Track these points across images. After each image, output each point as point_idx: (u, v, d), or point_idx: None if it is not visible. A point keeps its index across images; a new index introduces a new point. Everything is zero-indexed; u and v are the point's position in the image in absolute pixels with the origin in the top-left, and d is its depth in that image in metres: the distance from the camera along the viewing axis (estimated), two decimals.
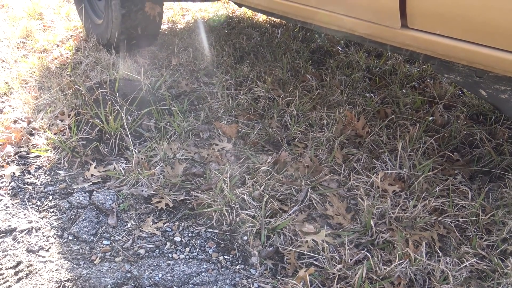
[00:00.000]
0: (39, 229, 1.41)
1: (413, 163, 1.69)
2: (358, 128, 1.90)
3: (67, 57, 2.57)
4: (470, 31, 1.14)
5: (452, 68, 1.35)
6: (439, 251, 1.33)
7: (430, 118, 2.01)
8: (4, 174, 1.62)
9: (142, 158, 1.68)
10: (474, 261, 1.29)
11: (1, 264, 1.26)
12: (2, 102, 2.08)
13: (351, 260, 1.29)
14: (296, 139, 1.85)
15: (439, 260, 1.29)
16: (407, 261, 1.26)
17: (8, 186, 1.58)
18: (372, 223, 1.40)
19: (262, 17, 3.41)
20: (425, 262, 1.28)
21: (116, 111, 1.84)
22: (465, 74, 1.34)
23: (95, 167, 1.66)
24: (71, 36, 2.93)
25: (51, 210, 1.49)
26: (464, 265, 1.27)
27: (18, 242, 1.35)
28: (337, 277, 1.23)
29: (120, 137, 1.78)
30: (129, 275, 1.24)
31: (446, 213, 1.49)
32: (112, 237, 1.39)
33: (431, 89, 2.29)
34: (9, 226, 1.40)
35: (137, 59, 2.48)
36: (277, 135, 1.88)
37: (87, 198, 1.53)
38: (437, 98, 2.19)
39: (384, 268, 1.25)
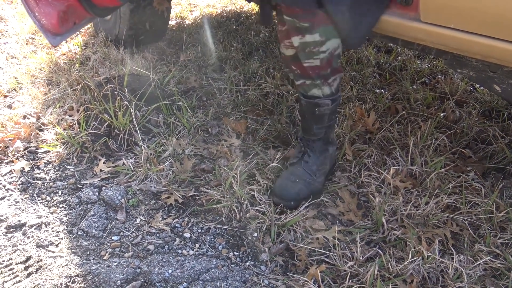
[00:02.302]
0: (49, 224, 1.40)
1: (424, 159, 1.66)
2: (369, 124, 1.88)
3: (75, 52, 2.57)
4: (486, 24, 1.12)
5: (465, 63, 1.33)
6: (452, 249, 1.31)
7: (442, 114, 1.99)
8: (13, 169, 1.62)
9: (151, 154, 1.67)
10: (488, 259, 1.27)
11: (11, 259, 1.26)
12: (11, 97, 2.08)
13: (362, 257, 1.28)
14: None
15: (453, 258, 1.27)
16: (420, 258, 1.24)
17: (17, 181, 1.58)
18: (383, 220, 1.38)
19: None
20: (438, 260, 1.26)
21: (125, 107, 1.83)
22: (478, 69, 1.31)
23: (104, 163, 1.66)
24: (80, 31, 2.93)
25: (61, 205, 1.49)
26: (478, 263, 1.25)
27: (28, 237, 1.35)
28: (348, 274, 1.21)
29: (129, 133, 1.77)
30: (138, 270, 1.24)
31: (459, 210, 1.46)
32: (121, 233, 1.39)
33: (442, 85, 2.26)
34: (19, 221, 1.40)
35: (145, 55, 2.47)
36: (286, 131, 1.86)
37: (96, 193, 1.53)
38: (449, 94, 2.16)
39: (397, 266, 1.23)
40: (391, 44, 2.85)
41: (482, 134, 1.85)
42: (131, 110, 1.79)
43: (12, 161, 1.66)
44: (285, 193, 1.45)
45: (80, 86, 2.00)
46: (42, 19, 1.54)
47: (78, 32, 2.92)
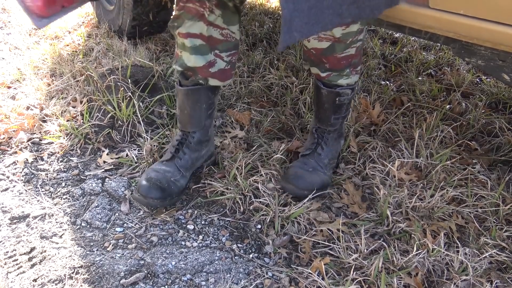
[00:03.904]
0: (52, 215, 1.40)
1: (430, 152, 1.65)
2: (373, 116, 1.86)
3: (78, 43, 2.55)
4: (497, 10, 1.09)
5: (474, 51, 1.31)
6: (457, 242, 1.30)
7: (448, 106, 1.97)
8: (17, 161, 1.62)
9: (154, 145, 1.67)
10: (494, 252, 1.26)
11: (15, 250, 1.26)
12: (14, 88, 2.07)
13: (367, 249, 1.27)
14: None
15: (458, 251, 1.26)
16: (425, 251, 1.23)
17: (21, 172, 1.58)
18: (388, 212, 1.37)
19: (275, 4, 3.36)
20: (443, 252, 1.25)
21: (128, 98, 1.82)
22: (487, 57, 1.29)
23: (107, 154, 1.65)
24: (83, 22, 2.91)
25: (64, 197, 1.48)
26: (483, 256, 1.24)
27: (32, 228, 1.35)
28: (353, 267, 1.21)
29: (133, 124, 1.77)
30: (142, 262, 1.23)
31: (464, 203, 1.45)
32: (124, 224, 1.38)
33: (448, 77, 2.24)
34: (23, 212, 1.40)
35: (148, 46, 2.46)
36: (290, 122, 1.85)
37: (100, 185, 1.52)
38: (455, 86, 2.13)
39: (401, 259, 1.22)
40: (397, 34, 2.82)
41: (489, 126, 1.83)
42: (135, 101, 1.79)
43: (15, 152, 1.66)
44: (301, 182, 1.42)
45: (83, 77, 1.99)
46: (27, 0, 1.49)
47: (81, 23, 2.91)
